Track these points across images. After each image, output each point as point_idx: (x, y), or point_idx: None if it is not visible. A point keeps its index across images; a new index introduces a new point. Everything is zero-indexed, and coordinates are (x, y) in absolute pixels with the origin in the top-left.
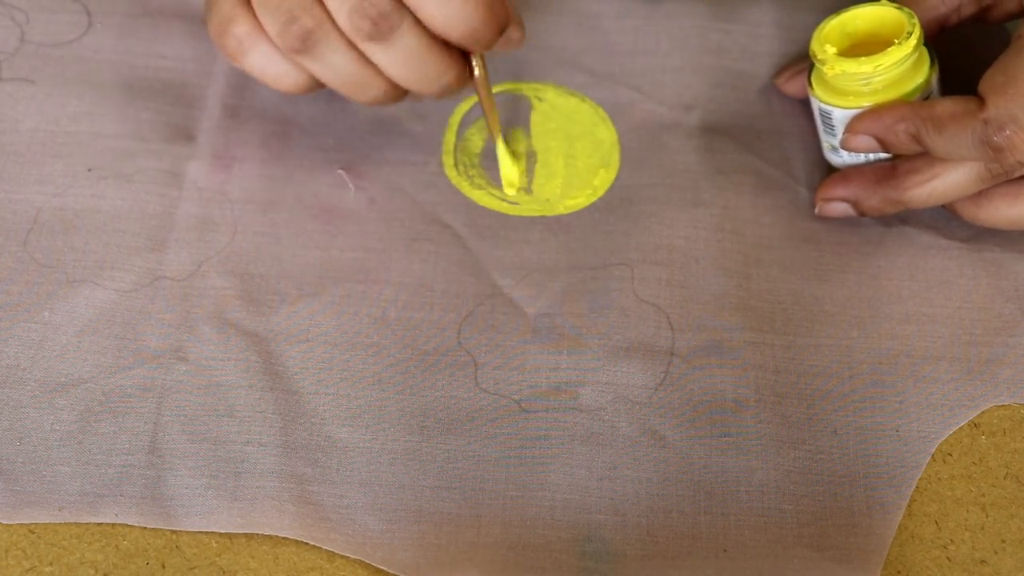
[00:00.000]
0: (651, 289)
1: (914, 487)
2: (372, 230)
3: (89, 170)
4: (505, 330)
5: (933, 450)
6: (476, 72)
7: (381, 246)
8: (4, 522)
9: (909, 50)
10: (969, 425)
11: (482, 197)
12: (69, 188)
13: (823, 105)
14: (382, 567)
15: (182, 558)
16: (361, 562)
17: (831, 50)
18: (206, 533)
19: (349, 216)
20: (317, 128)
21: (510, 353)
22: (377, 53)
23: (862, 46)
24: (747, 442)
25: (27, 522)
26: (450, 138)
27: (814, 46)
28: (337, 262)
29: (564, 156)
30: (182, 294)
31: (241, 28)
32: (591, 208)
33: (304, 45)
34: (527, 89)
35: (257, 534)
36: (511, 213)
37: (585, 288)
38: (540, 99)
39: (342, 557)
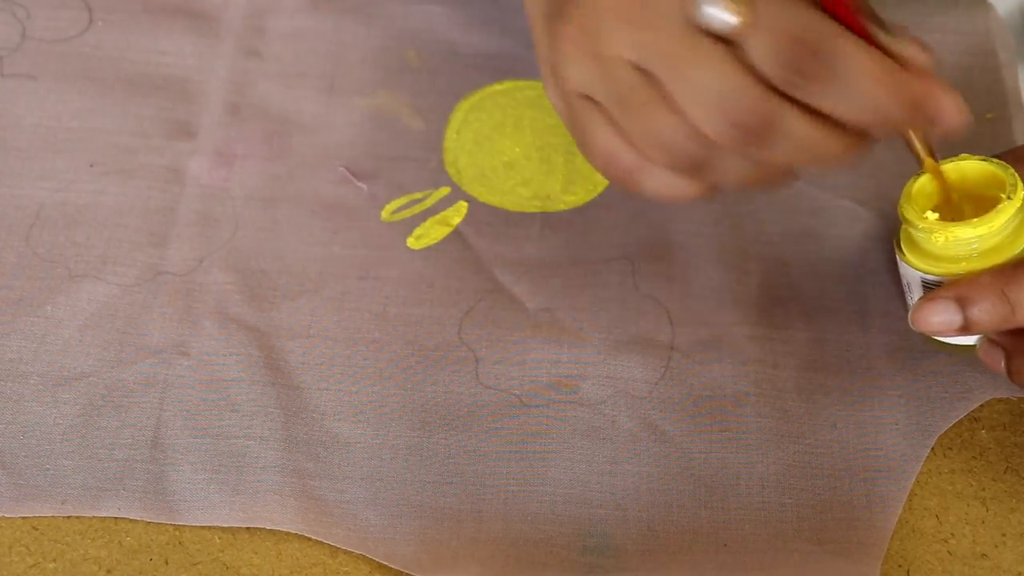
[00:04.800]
0: (651, 283)
1: (913, 480)
2: (373, 226)
3: (91, 166)
4: (506, 325)
5: (932, 443)
6: (922, 158)
7: (382, 242)
8: (7, 515)
9: (1020, 203)
10: (969, 419)
11: (482, 193)
12: (71, 184)
13: (929, 276)
14: (384, 562)
15: (185, 554)
16: (363, 557)
17: (933, 216)
18: (209, 529)
19: (350, 213)
20: (318, 125)
21: (511, 348)
22: (765, 152)
23: (947, 209)
24: (747, 436)
25: (30, 515)
26: (451, 135)
27: (910, 215)
28: (338, 258)
29: (564, 152)
30: (184, 289)
31: (628, 158)
32: (591, 204)
33: (696, 171)
34: (528, 87)
35: (260, 530)
36: (511, 209)
37: (585, 282)
38: (541, 95)
39: (345, 553)
